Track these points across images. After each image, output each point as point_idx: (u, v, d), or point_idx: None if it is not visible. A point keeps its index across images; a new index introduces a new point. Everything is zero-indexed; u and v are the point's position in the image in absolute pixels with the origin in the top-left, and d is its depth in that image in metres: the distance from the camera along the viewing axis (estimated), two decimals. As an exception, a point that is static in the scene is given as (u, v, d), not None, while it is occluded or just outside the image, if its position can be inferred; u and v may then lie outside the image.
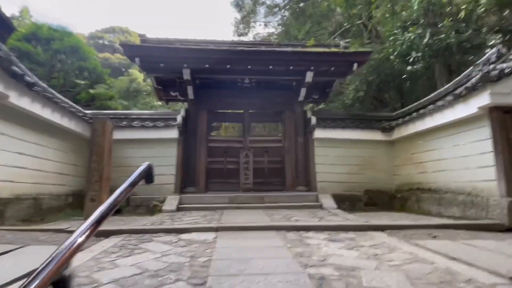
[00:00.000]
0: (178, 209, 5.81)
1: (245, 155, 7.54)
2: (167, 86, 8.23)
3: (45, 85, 5.60)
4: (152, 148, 7.29)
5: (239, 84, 8.24)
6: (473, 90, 4.86)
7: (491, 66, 4.72)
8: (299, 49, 6.98)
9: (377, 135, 7.77)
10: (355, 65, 7.03)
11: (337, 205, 6.17)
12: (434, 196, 6.03)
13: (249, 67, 6.97)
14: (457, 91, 5.22)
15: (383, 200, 7.57)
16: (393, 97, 10.50)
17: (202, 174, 7.72)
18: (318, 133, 7.62)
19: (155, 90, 8.76)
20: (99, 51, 39.87)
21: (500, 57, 4.93)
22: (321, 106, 12.47)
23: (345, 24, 12.09)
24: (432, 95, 6.78)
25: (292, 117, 8.25)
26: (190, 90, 7.59)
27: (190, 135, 7.77)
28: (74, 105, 6.83)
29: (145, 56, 6.59)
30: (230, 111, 8.55)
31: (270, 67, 6.99)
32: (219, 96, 8.21)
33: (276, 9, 19.65)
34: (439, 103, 6.02)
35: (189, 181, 7.56)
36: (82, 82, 9.98)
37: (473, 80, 4.88)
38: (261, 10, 20.76)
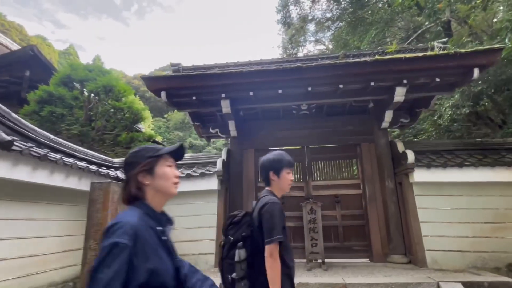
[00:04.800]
0: (217, 309, 3.83)
1: (310, 209, 5.36)
2: (205, 122, 6.66)
3: (49, 136, 4.37)
4: (186, 204, 5.59)
5: (294, 112, 6.27)
6: None
7: None
8: (379, 57, 4.78)
9: (517, 175, 4.95)
10: (476, 70, 4.53)
11: (479, 306, 3.56)
12: None
13: (309, 89, 4.98)
14: None
15: (546, 283, 4.59)
16: (508, 113, 7.41)
17: (252, 237, 5.72)
18: (420, 175, 5.11)
19: (193, 126, 7.28)
20: (157, 87, 42.55)
21: None
22: (396, 131, 9.77)
23: (425, 24, 9.49)
24: None
25: (373, 151, 5.90)
26: (232, 125, 5.85)
27: (234, 183, 5.93)
28: (96, 154, 5.59)
29: (172, 89, 5.07)
30: (284, 147, 6.56)
31: (340, 86, 4.89)
32: (269, 130, 6.32)
33: (328, 22, 17.77)
34: None
35: (235, 247, 5.60)
36: (121, 122, 9.10)
37: None
38: (310, 27, 19.10)
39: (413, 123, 6.87)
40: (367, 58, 4.66)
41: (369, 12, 14.13)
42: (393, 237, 5.35)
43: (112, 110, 8.25)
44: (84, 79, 7.88)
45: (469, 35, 8.91)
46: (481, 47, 4.47)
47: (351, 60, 4.73)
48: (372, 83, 4.84)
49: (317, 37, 20.17)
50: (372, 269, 4.91)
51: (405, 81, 4.76)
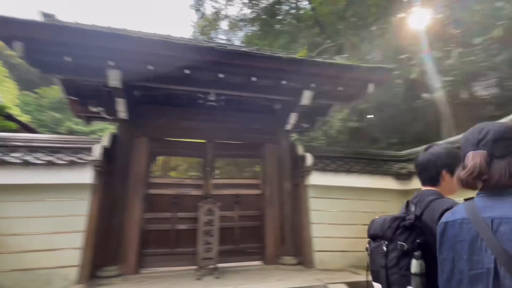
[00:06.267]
0: None
1: (208, 210, 4.83)
2: (85, 97, 5.26)
3: None
4: (41, 202, 4.17)
5: (200, 102, 5.64)
6: None
7: None
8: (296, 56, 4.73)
9: (389, 183, 5.71)
10: (371, 86, 4.99)
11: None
12: None
13: (220, 76, 4.47)
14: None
15: (401, 275, 5.40)
16: (384, 131, 8.84)
17: (133, 242, 4.75)
18: (315, 178, 5.29)
19: (68, 101, 5.67)
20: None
21: None
22: (295, 136, 10.43)
23: (327, 41, 10.45)
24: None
25: (276, 152, 5.85)
26: (121, 104, 4.75)
27: (118, 177, 4.82)
28: None
29: (34, 40, 3.65)
30: (186, 140, 5.83)
31: (253, 78, 4.57)
32: (170, 118, 5.48)
33: (241, 24, 17.86)
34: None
35: (109, 255, 4.52)
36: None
37: None
38: (223, 25, 18.86)
39: (311, 130, 7.29)
40: (283, 55, 4.50)
41: (279, 22, 14.88)
42: (286, 238, 5.37)
43: None
44: None
45: (360, 59, 10.32)
46: (377, 65, 4.96)
47: (268, 53, 4.48)
48: (283, 82, 4.72)
49: (228, 37, 20.05)
50: (265, 273, 4.74)
51: (313, 85, 4.83)
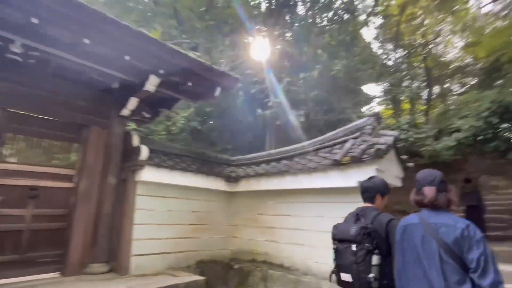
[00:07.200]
0: None
1: (-25, 206, 3.30)
2: None
3: None
4: None
5: (-6, 51, 3.91)
6: (359, 162, 4.24)
7: (381, 140, 4.34)
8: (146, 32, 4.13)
9: (220, 184, 6.02)
10: (218, 89, 5.11)
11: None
12: (288, 277, 4.88)
13: (34, 21, 3.23)
14: (337, 157, 4.50)
15: (216, 273, 5.71)
16: (221, 136, 9.39)
17: None
18: (148, 174, 4.79)
19: None
20: None
21: (373, 129, 4.75)
22: (132, 125, 9.37)
23: (183, 36, 10.12)
24: (286, 148, 6.03)
25: (104, 138, 4.88)
26: None
27: None
28: None
29: None
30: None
31: (85, 40, 3.60)
32: None
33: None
34: (302, 161, 5.23)
35: None
36: None
37: (359, 150, 4.30)
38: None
39: (151, 122, 6.68)
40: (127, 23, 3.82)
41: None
42: (99, 242, 4.50)
43: None
44: None
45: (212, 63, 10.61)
46: (227, 71, 5.14)
47: (110, 16, 3.66)
48: (127, 57, 4.01)
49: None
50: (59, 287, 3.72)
51: (161, 71, 4.39)
